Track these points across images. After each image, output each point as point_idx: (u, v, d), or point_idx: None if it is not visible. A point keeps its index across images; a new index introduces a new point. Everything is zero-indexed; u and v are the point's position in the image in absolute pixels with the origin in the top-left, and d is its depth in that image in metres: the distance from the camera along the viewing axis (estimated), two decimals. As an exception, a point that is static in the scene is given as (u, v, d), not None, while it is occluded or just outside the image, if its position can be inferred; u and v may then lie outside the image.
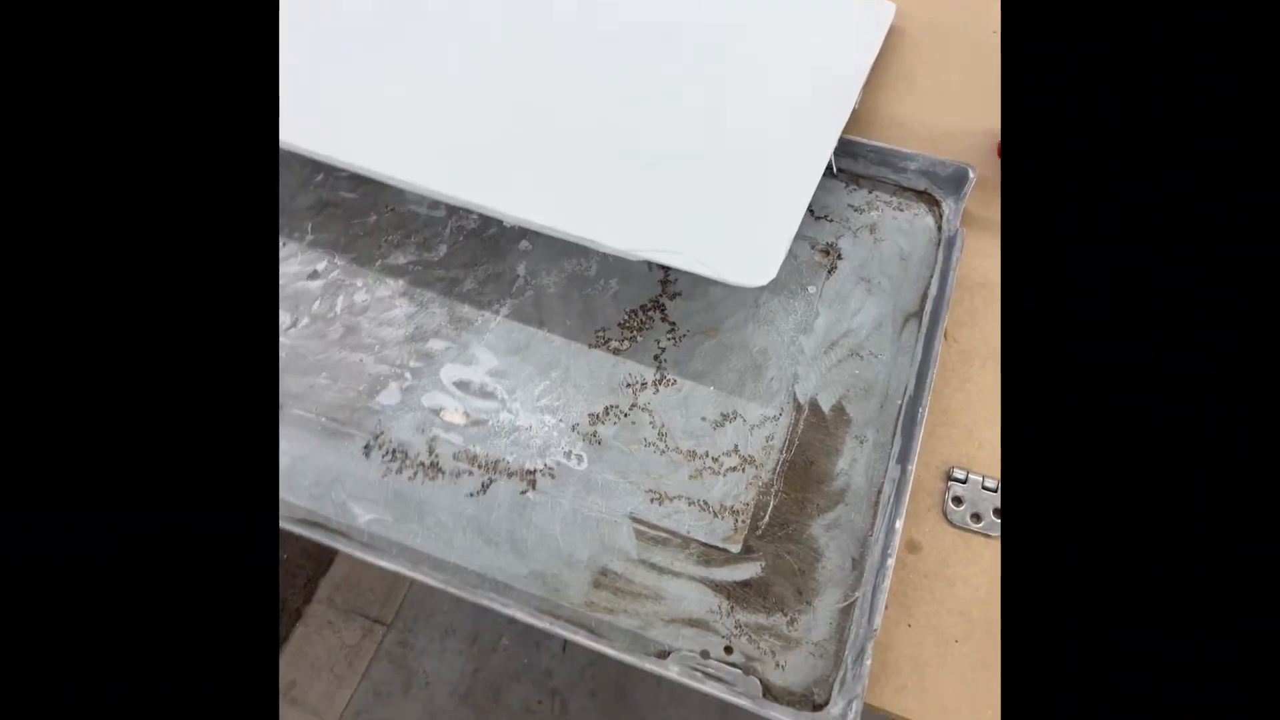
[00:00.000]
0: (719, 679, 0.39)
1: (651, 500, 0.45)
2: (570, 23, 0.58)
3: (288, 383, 0.49)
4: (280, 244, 0.55)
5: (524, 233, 0.55)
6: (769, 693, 0.40)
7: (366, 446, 0.47)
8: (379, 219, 0.56)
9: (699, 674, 0.39)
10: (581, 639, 0.39)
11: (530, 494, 0.45)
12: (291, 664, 1.16)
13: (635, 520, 0.44)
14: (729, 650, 0.41)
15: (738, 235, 0.47)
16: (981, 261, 0.53)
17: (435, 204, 0.56)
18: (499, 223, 0.55)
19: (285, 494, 0.45)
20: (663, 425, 0.47)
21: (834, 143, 0.52)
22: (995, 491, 0.45)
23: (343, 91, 0.54)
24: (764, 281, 0.44)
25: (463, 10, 0.58)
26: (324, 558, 1.23)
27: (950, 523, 0.44)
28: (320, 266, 0.54)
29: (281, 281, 0.53)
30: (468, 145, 0.51)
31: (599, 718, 1.13)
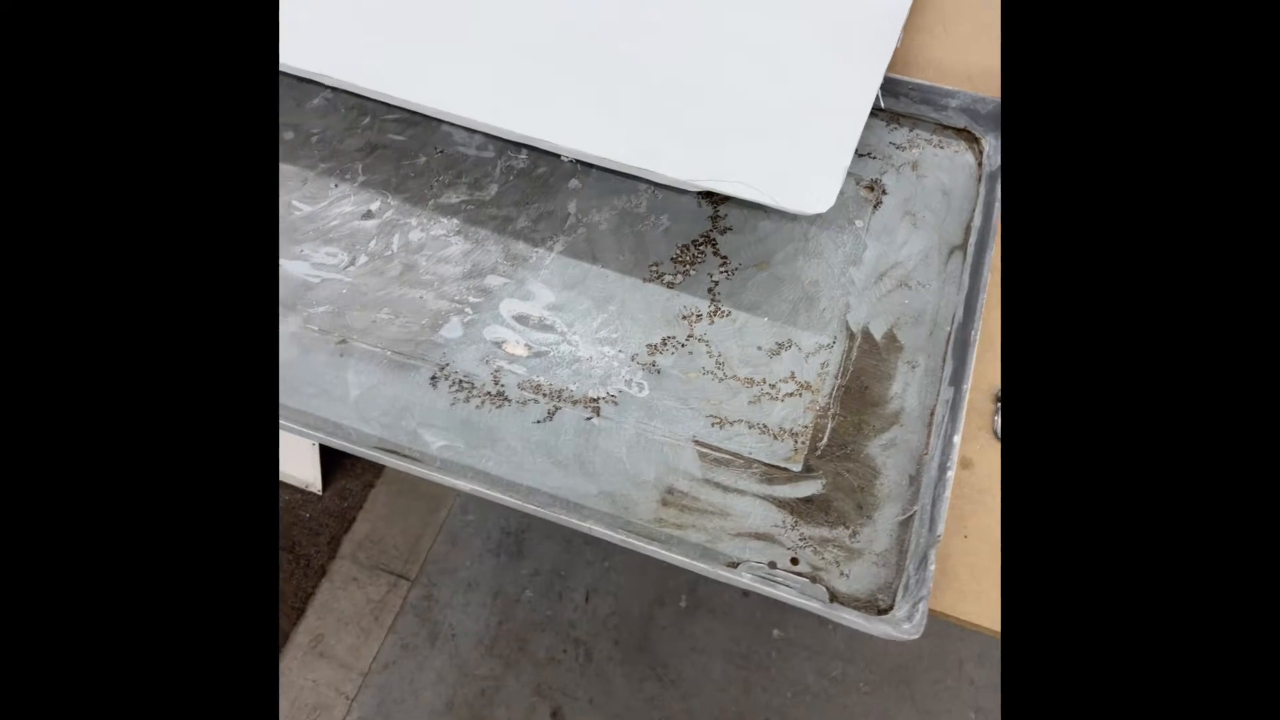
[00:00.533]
0: (788, 586, 0.41)
1: (712, 424, 0.46)
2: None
3: (350, 318, 0.50)
4: (332, 184, 0.55)
5: (573, 171, 0.56)
6: (835, 599, 0.42)
7: (433, 377, 0.48)
8: (428, 160, 0.57)
9: (769, 582, 0.41)
10: (655, 550, 0.41)
11: (595, 420, 0.47)
12: (319, 618, 1.18)
13: (698, 443, 0.46)
14: (795, 561, 0.43)
15: (794, 166, 0.48)
16: (1022, 195, 0.54)
17: (484, 144, 0.57)
18: (548, 162, 0.56)
19: (357, 424, 0.46)
20: (720, 354, 0.49)
21: (880, 76, 0.53)
22: (1043, 411, 0.46)
23: (393, 29, 0.54)
24: (823, 209, 0.46)
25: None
26: (346, 515, 1.25)
27: (1001, 440, 0.46)
28: (374, 207, 0.55)
29: (336, 221, 0.54)
30: (522, 81, 0.52)
31: (622, 666, 1.15)
